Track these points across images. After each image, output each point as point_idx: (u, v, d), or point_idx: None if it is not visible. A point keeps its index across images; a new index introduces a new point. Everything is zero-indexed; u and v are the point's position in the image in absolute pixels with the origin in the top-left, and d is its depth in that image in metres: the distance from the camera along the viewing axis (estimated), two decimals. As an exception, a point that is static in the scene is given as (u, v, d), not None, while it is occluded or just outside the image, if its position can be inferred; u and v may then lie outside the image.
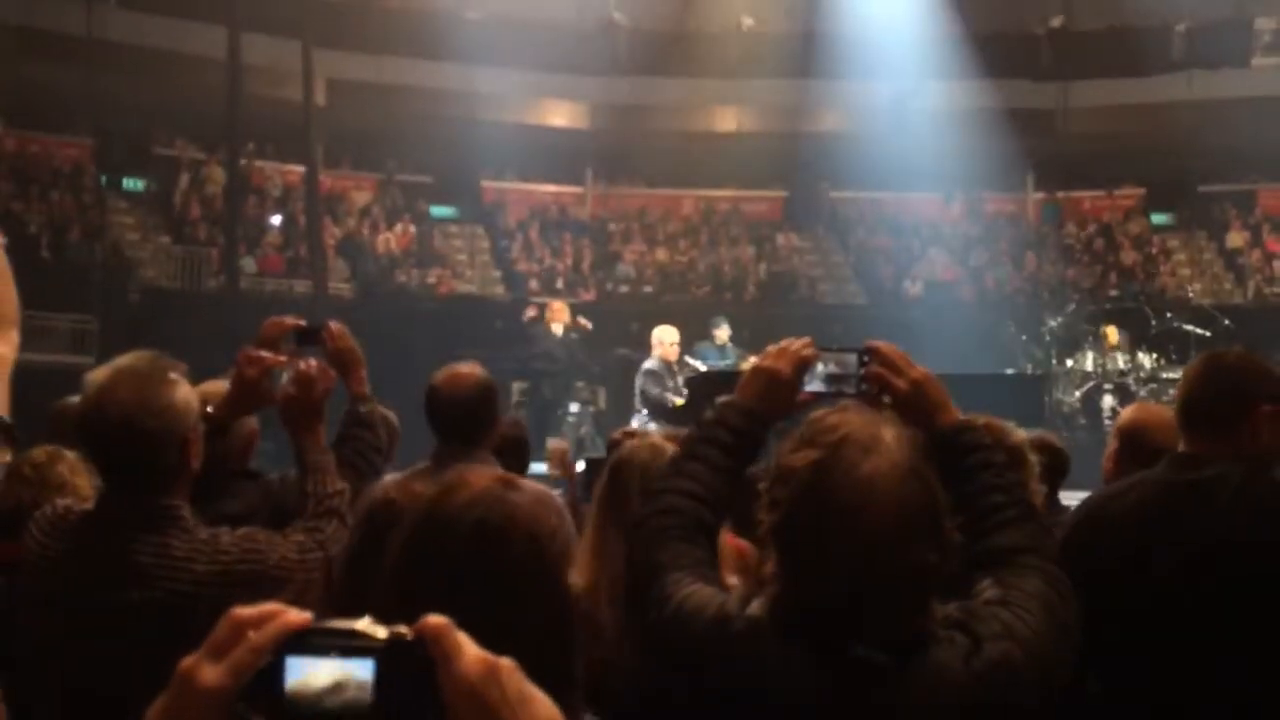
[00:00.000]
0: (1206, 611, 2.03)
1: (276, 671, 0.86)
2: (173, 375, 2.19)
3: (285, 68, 16.57)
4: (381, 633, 0.87)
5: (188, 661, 0.86)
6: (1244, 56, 18.48)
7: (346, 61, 18.45)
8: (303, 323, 3.06)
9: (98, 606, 2.08)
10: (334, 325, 3.01)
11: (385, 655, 0.86)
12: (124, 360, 2.19)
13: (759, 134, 20.51)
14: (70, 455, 2.97)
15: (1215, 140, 18.40)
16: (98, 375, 2.18)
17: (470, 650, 0.87)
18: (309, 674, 0.86)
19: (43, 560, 2.17)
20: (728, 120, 21.03)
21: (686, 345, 10.06)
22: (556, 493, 3.28)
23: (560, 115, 20.85)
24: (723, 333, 11.41)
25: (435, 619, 0.88)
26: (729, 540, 2.72)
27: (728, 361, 10.93)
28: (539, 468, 6.54)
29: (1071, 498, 5.02)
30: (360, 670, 0.86)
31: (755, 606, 1.50)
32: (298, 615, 0.87)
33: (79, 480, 2.90)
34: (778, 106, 20.40)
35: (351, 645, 0.87)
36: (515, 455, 3.93)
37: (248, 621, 0.87)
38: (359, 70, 18.82)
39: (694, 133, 20.68)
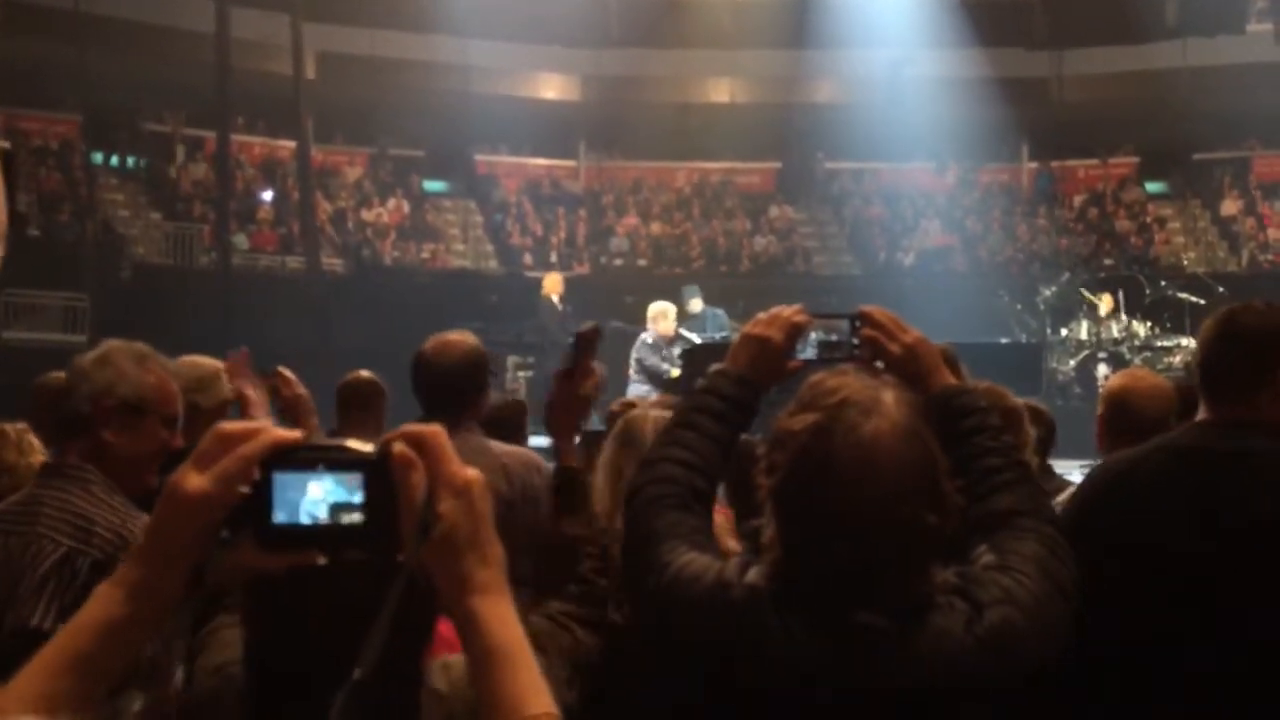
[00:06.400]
0: (1248, 587, 1.97)
1: (264, 490, 0.84)
2: (146, 356, 2.23)
3: (274, 41, 16.42)
4: (369, 447, 0.86)
5: (175, 474, 0.86)
6: (1239, 23, 18.37)
7: (336, 34, 18.30)
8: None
9: None
10: (284, 372, 2.88)
11: (375, 466, 0.84)
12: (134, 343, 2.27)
13: (752, 105, 20.41)
14: (12, 433, 2.91)
15: (1210, 107, 18.35)
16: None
17: (460, 462, 0.87)
18: (297, 492, 0.84)
19: None
20: (721, 91, 20.92)
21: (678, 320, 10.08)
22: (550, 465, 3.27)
23: (552, 88, 20.73)
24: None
25: (424, 426, 0.87)
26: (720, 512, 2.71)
27: (720, 334, 10.97)
28: (539, 441, 6.54)
29: (1066, 466, 5.04)
30: (349, 485, 0.84)
31: (754, 574, 1.49)
32: (286, 431, 0.86)
33: (31, 459, 2.84)
34: (771, 77, 20.29)
35: (340, 459, 0.85)
36: (513, 427, 3.92)
37: (234, 435, 0.85)
38: (349, 43, 18.67)
39: (687, 104, 20.58)
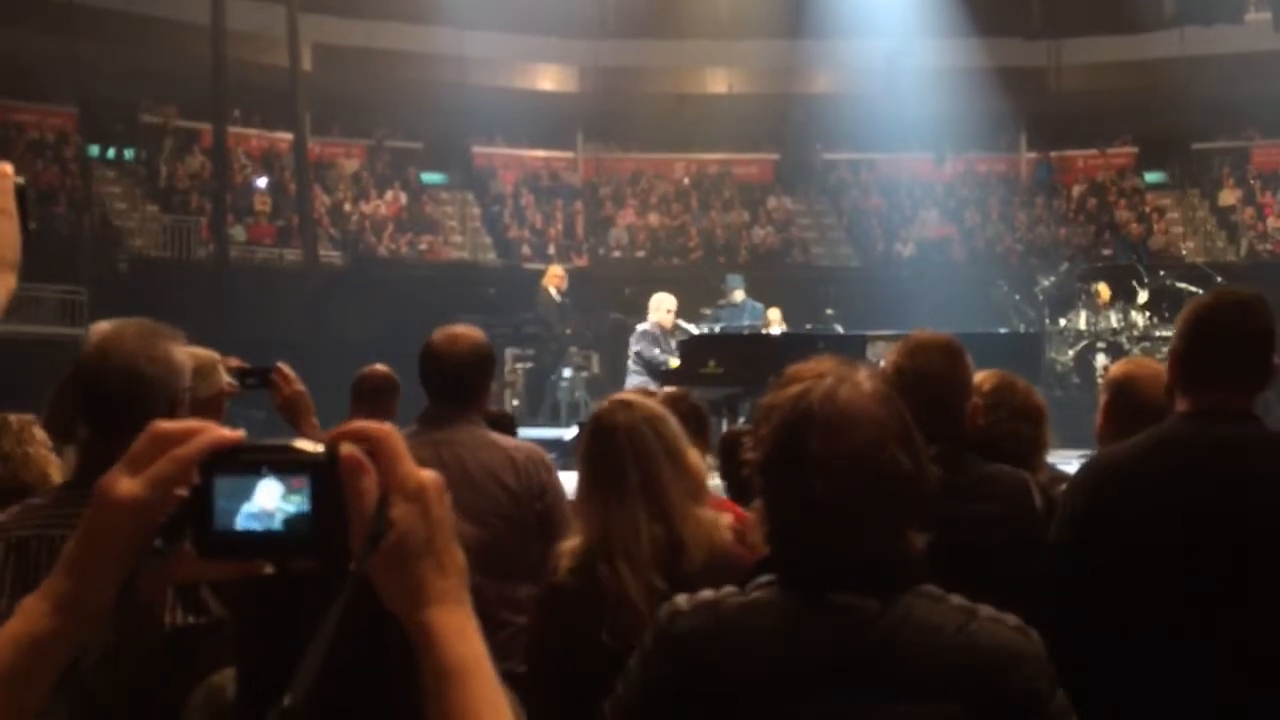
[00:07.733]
0: (1243, 577, 1.95)
1: (204, 495, 0.78)
2: (176, 337, 2.13)
3: (270, 33, 16.39)
4: (318, 448, 0.79)
5: (104, 477, 0.78)
6: (1237, 12, 18.35)
7: (333, 26, 18.25)
8: (246, 365, 2.92)
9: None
10: (284, 369, 2.84)
11: (324, 469, 0.78)
12: (131, 319, 2.15)
13: (750, 96, 20.38)
14: (14, 423, 2.86)
15: (1208, 97, 18.33)
16: (104, 324, 2.13)
17: (414, 463, 0.80)
18: (239, 496, 0.78)
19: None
20: (718, 82, 20.89)
21: (682, 310, 10.11)
22: (552, 455, 3.26)
23: (550, 79, 20.70)
24: (739, 293, 11.62)
25: (374, 423, 0.81)
26: (724, 505, 2.71)
27: (753, 321, 11.08)
28: (530, 432, 6.57)
29: (1064, 456, 5.03)
30: (296, 489, 0.78)
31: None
32: (228, 431, 0.79)
33: (29, 449, 2.81)
34: (769, 68, 20.26)
35: (286, 461, 0.78)
36: (501, 424, 3.92)
37: (171, 435, 0.78)
38: (346, 35, 18.63)
39: (685, 95, 20.54)
